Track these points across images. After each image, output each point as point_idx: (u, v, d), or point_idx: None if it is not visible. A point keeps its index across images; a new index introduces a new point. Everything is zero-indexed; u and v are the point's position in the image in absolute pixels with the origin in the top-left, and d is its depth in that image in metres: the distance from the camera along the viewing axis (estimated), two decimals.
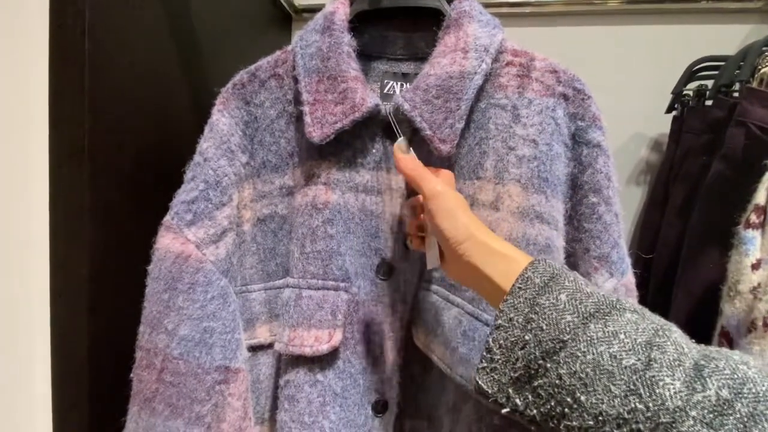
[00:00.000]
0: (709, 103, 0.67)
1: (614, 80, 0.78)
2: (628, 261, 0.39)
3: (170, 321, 0.42)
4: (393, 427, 0.47)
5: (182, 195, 0.45)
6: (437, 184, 0.36)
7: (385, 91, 0.48)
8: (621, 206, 0.40)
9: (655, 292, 0.66)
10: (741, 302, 0.41)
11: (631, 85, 0.79)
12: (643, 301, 0.42)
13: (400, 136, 0.41)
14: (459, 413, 0.43)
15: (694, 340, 0.27)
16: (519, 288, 0.29)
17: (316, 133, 0.42)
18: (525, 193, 0.39)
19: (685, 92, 0.70)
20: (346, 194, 0.45)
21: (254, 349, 0.48)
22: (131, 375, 0.43)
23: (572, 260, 0.40)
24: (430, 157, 0.44)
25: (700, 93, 0.67)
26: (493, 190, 0.41)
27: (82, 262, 0.45)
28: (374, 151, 0.45)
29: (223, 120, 0.47)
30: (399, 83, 0.48)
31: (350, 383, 0.44)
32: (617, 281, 0.38)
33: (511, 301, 0.29)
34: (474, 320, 0.41)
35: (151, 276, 0.44)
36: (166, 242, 0.44)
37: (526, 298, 0.29)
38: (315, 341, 0.42)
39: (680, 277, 0.58)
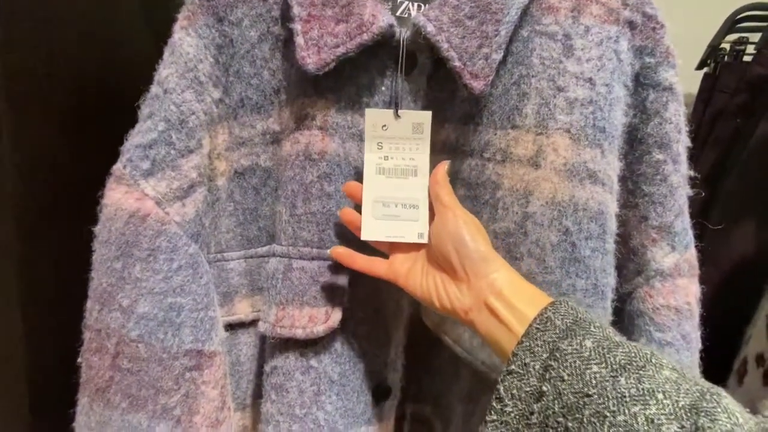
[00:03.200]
0: (747, 59, 0.60)
1: None
2: (691, 232, 0.33)
3: (125, 296, 0.34)
4: (395, 412, 0.42)
5: (137, 137, 0.35)
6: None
7: (398, 12, 0.38)
8: None
9: None
10: None
11: None
12: None
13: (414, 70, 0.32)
14: (476, 404, 0.37)
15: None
16: (537, 329, 0.26)
17: (312, 59, 0.33)
18: (576, 147, 0.32)
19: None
20: (347, 143, 0.36)
21: (233, 327, 0.41)
22: (79, 359, 0.35)
23: (622, 230, 0.34)
24: (453, 99, 0.36)
25: (739, 47, 0.60)
26: (533, 141, 0.33)
27: (6, 221, 0.35)
28: (384, 88, 0.36)
29: (188, 40, 0.36)
30: (416, 4, 0.38)
31: (349, 368, 0.38)
32: (679, 256, 0.32)
33: (528, 344, 0.25)
34: None
35: (98, 239, 0.35)
36: (116, 197, 0.35)
37: (545, 341, 0.25)
38: (309, 322, 0.35)
39: (706, 251, 0.53)
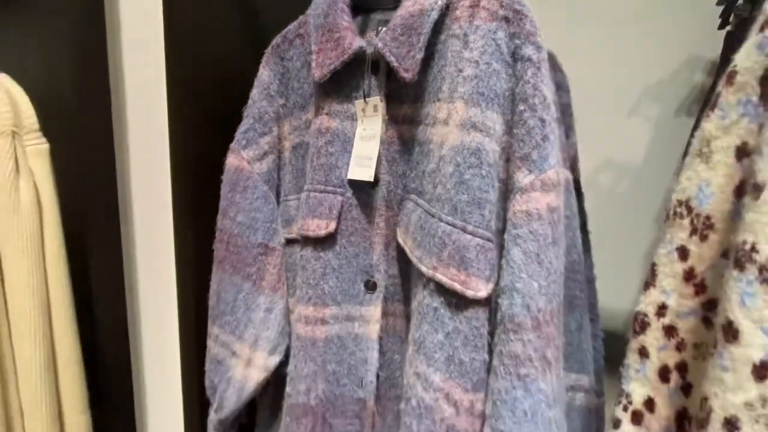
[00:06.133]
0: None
1: None
2: (552, 161, 0.44)
3: (232, 211, 0.64)
4: (381, 304, 0.61)
5: (241, 127, 0.65)
6: None
7: (378, 36, 0.59)
8: (555, 112, 0.45)
9: None
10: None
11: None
12: None
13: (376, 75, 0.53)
14: (416, 288, 0.54)
15: None
16: None
17: (317, 74, 0.57)
18: (466, 108, 0.47)
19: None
20: (344, 122, 0.59)
21: (291, 241, 0.67)
22: (213, 246, 0.67)
23: (508, 165, 0.47)
24: (405, 87, 0.55)
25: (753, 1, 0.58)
26: (446, 108, 0.50)
27: (189, 176, 0.69)
28: (364, 85, 0.58)
29: (265, 73, 0.65)
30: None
31: (345, 263, 0.60)
32: (534, 177, 0.44)
33: None
34: (429, 216, 0.51)
35: (222, 182, 0.66)
36: (230, 160, 0.65)
37: None
38: (316, 227, 0.58)
39: None
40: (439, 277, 0.47)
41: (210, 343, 0.66)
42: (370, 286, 0.60)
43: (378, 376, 0.58)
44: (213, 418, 0.66)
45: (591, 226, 0.73)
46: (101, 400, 0.64)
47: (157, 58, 0.66)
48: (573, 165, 0.70)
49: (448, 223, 0.47)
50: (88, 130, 0.65)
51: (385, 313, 0.61)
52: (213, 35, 0.69)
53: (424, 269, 0.49)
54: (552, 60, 0.68)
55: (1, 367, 0.51)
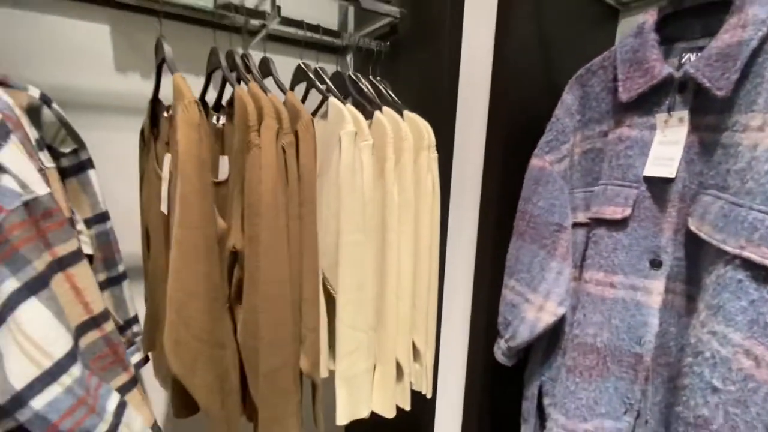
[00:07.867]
0: None
1: None
2: None
3: (534, 198, 0.88)
4: (665, 280, 0.73)
5: (544, 138, 0.90)
6: None
7: (682, 62, 0.73)
8: None
9: None
10: None
11: None
12: None
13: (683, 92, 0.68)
14: (712, 266, 0.65)
15: None
16: None
17: (625, 96, 0.75)
18: None
19: None
20: (643, 131, 0.75)
21: (576, 225, 0.87)
22: (514, 222, 0.93)
23: None
24: (709, 100, 0.67)
25: None
26: (761, 117, 0.60)
27: (495, 178, 0.98)
28: (666, 101, 0.72)
29: (568, 97, 0.87)
30: (695, 54, 0.72)
31: (634, 242, 0.75)
32: None
33: None
34: (734, 206, 0.62)
35: (526, 178, 0.91)
36: (534, 162, 0.90)
37: None
38: (612, 212, 0.76)
39: None
40: (747, 254, 0.58)
41: (505, 291, 0.93)
42: (656, 264, 0.74)
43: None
44: (503, 345, 0.92)
45: None
46: None
47: (483, 94, 0.98)
48: None
49: (760, 211, 0.58)
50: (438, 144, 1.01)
51: (666, 290, 0.73)
52: (521, 79, 0.96)
53: (728, 248, 0.61)
54: None
55: (398, 280, 0.89)
